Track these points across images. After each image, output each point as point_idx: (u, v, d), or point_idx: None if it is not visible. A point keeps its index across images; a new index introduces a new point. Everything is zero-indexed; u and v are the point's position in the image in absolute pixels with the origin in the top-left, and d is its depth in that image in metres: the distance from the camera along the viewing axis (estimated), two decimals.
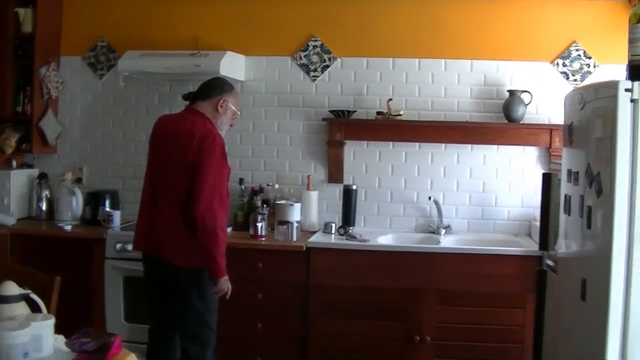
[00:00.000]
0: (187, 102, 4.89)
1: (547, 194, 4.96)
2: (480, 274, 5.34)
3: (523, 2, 6.01)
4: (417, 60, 6.17)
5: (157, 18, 6.50)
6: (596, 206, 3.86)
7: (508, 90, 5.91)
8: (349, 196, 6.06)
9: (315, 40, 6.28)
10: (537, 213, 5.61)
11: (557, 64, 5.99)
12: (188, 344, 4.78)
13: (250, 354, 5.69)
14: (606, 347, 3.65)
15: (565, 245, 4.47)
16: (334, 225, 5.98)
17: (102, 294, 5.79)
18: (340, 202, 6.12)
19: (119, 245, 5.75)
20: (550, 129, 5.87)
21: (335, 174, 6.24)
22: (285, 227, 5.75)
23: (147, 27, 6.51)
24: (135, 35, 6.50)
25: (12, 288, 3.31)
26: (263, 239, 5.77)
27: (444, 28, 6.09)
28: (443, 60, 6.14)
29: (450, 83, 6.13)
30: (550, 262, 4.97)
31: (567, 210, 4.36)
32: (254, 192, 6.22)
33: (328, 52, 6.26)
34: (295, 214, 5.82)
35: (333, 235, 5.90)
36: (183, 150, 4.57)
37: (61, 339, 3.25)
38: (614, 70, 5.78)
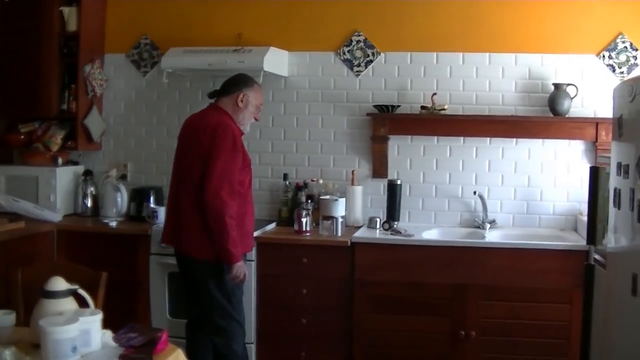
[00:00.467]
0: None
1: (594, 188, 4.90)
2: (526, 269, 5.30)
3: None
4: (461, 54, 6.13)
5: (200, 15, 6.52)
6: None
7: (553, 84, 5.86)
8: (393, 191, 6.04)
9: (359, 35, 6.26)
10: (583, 207, 5.57)
11: (603, 56, 5.93)
12: (214, 336, 4.88)
13: (295, 350, 5.70)
14: None
15: (614, 239, 4.41)
16: (378, 220, 5.96)
17: (147, 289, 5.82)
18: (385, 197, 6.10)
19: None
20: (596, 122, 5.79)
21: (379, 169, 6.22)
22: (329, 222, 5.75)
23: (190, 24, 6.54)
24: (178, 32, 6.53)
25: (60, 283, 3.34)
26: (308, 234, 5.78)
27: (488, 22, 6.05)
28: (487, 54, 6.09)
29: (494, 77, 6.08)
30: (598, 257, 4.92)
31: (617, 204, 4.30)
32: (299, 188, 6.21)
33: (371, 47, 6.25)
34: (339, 209, 5.80)
35: (378, 230, 5.88)
36: (198, 143, 4.73)
37: (109, 334, 3.28)
38: None
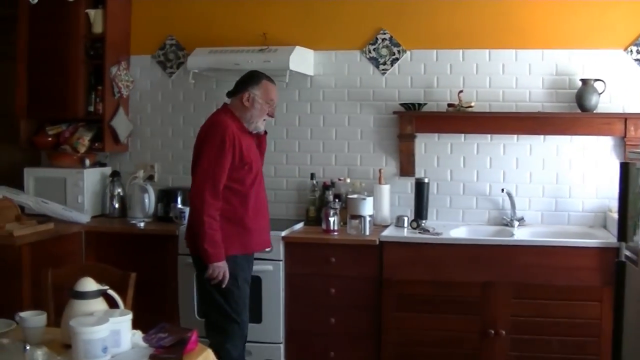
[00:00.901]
0: None
1: (625, 184, 4.86)
2: (556, 266, 5.27)
3: None
4: (487, 51, 6.10)
5: (225, 14, 6.54)
6: None
7: (580, 80, 5.81)
8: (421, 189, 6.01)
9: (384, 34, 6.24)
10: (613, 204, 5.54)
11: (631, 51, 5.88)
12: (210, 332, 4.91)
13: (324, 349, 5.70)
14: None
15: None
16: (406, 218, 5.95)
17: (176, 290, 5.83)
18: (412, 196, 6.08)
19: None
20: (625, 117, 5.74)
21: (406, 167, 6.20)
22: (357, 221, 5.74)
23: (215, 24, 6.55)
24: (203, 32, 6.54)
25: (90, 284, 3.36)
26: (335, 233, 5.77)
27: (514, 18, 6.01)
28: (513, 50, 6.06)
29: (521, 73, 6.05)
30: (629, 254, 4.88)
31: None
32: (326, 187, 6.21)
33: (397, 45, 6.23)
34: (367, 208, 5.78)
35: (406, 229, 5.87)
36: (196, 143, 4.89)
37: (138, 334, 3.28)
38: None
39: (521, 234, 5.76)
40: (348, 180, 6.25)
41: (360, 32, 6.31)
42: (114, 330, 3.08)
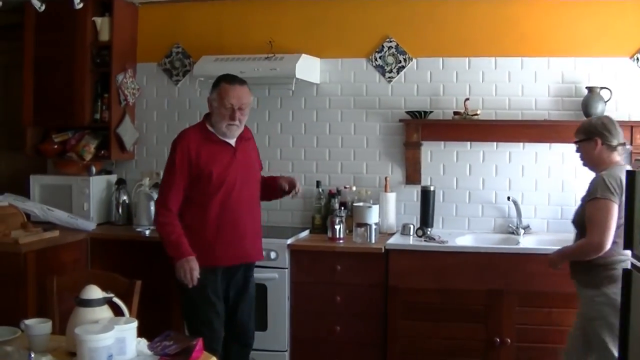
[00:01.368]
0: None
1: (631, 192, 4.83)
2: (561, 274, 5.20)
3: None
4: (493, 59, 6.10)
5: (231, 23, 6.55)
6: None
7: (586, 87, 5.81)
8: (426, 197, 6.02)
9: (390, 41, 6.25)
10: None
11: (637, 58, 5.87)
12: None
13: (329, 357, 5.70)
14: None
15: None
16: (412, 226, 5.93)
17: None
18: (418, 204, 6.08)
19: None
20: (631, 125, 5.73)
21: (412, 175, 6.20)
22: (363, 229, 5.73)
23: (221, 32, 6.56)
24: (209, 40, 6.56)
25: (95, 292, 3.35)
26: (341, 241, 5.77)
27: (520, 26, 6.01)
28: (519, 58, 6.06)
29: (527, 81, 6.05)
30: (635, 262, 4.86)
31: None
32: (332, 195, 6.20)
33: (403, 52, 6.23)
34: (373, 216, 5.78)
35: (411, 237, 5.86)
36: None
37: (143, 342, 3.29)
38: None
39: (527, 242, 5.75)
40: (354, 188, 6.24)
41: (367, 40, 6.32)
42: (119, 338, 3.07)
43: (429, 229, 5.90)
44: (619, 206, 4.41)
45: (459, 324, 5.45)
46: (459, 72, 6.16)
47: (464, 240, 5.82)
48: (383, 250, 5.54)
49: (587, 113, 5.74)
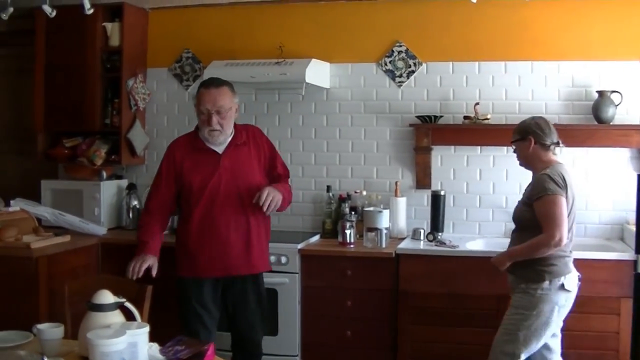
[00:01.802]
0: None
1: None
2: None
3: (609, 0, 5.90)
4: (503, 63, 6.10)
5: (241, 28, 6.55)
6: None
7: (597, 91, 5.79)
8: (437, 202, 6.01)
9: (400, 46, 6.25)
10: (630, 216, 5.52)
11: None
12: None
13: None
14: None
15: None
16: (422, 231, 5.93)
17: None
18: (429, 208, 6.08)
19: None
20: None
21: (423, 179, 6.19)
22: (374, 234, 5.72)
23: (231, 37, 6.57)
24: (219, 45, 6.57)
25: (107, 296, 3.36)
26: (352, 246, 5.75)
27: (530, 29, 6.00)
28: (529, 62, 6.05)
29: (537, 85, 6.04)
30: None
31: None
32: (342, 200, 6.20)
33: (413, 57, 6.23)
34: (383, 221, 5.79)
35: (422, 242, 5.86)
36: None
37: (155, 346, 3.28)
38: None
39: None
40: (364, 193, 6.24)
41: (376, 44, 6.32)
42: (131, 343, 3.07)
43: (440, 234, 5.91)
44: (567, 200, 4.48)
45: (469, 328, 5.44)
46: (469, 77, 6.15)
47: (475, 245, 5.81)
48: (394, 255, 5.54)
49: (597, 117, 5.74)
